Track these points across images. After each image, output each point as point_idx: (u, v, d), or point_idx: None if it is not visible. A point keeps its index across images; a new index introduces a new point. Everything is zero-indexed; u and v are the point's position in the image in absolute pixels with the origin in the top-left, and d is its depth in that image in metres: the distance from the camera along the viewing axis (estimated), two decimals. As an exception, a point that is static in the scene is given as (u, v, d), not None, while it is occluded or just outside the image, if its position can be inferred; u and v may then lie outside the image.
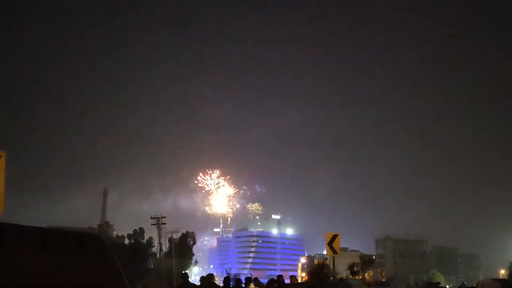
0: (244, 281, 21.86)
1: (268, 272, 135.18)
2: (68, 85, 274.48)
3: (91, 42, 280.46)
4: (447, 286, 76.01)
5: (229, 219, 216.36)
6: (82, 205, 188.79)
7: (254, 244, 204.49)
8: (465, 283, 53.49)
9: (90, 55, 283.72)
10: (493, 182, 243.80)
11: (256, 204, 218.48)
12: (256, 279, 21.38)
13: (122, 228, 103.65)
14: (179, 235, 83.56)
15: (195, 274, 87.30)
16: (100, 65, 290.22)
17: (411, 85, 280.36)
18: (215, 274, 29.73)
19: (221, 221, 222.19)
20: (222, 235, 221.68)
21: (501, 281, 32.13)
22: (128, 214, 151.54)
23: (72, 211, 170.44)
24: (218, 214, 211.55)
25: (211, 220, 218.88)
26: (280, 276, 19.46)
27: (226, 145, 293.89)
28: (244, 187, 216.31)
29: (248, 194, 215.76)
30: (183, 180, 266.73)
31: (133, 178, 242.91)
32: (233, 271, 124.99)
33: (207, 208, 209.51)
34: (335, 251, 22.29)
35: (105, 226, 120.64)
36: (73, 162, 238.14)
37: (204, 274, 24.98)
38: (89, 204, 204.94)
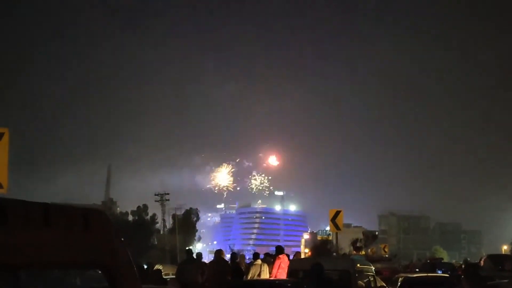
0: (250, 257, 21.51)
1: (272, 248, 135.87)
2: (71, 63, 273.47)
3: (91, 21, 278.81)
4: (454, 261, 76.15)
5: (225, 194, 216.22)
6: (84, 183, 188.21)
7: (257, 220, 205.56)
8: (469, 259, 53.76)
9: (90, 33, 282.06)
10: (495, 158, 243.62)
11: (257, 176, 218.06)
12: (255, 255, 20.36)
13: (125, 205, 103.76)
14: (182, 212, 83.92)
15: (198, 250, 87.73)
16: (103, 44, 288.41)
17: (416, 64, 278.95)
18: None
19: (224, 196, 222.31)
20: (225, 211, 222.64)
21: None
22: (131, 191, 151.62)
23: (73, 188, 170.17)
24: (223, 188, 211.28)
25: (214, 196, 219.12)
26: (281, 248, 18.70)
27: (229, 123, 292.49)
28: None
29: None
30: (186, 157, 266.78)
31: (134, 154, 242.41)
32: (236, 247, 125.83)
33: (212, 183, 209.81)
34: (338, 227, 22.31)
35: (109, 202, 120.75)
36: (74, 138, 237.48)
37: (207, 250, 24.82)
38: (90, 181, 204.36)
